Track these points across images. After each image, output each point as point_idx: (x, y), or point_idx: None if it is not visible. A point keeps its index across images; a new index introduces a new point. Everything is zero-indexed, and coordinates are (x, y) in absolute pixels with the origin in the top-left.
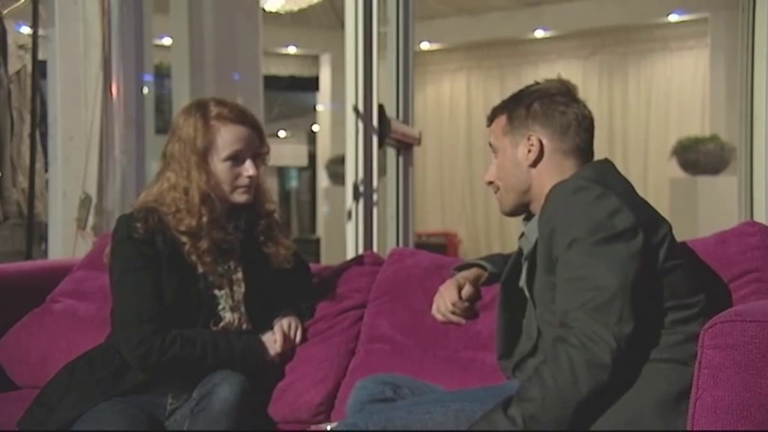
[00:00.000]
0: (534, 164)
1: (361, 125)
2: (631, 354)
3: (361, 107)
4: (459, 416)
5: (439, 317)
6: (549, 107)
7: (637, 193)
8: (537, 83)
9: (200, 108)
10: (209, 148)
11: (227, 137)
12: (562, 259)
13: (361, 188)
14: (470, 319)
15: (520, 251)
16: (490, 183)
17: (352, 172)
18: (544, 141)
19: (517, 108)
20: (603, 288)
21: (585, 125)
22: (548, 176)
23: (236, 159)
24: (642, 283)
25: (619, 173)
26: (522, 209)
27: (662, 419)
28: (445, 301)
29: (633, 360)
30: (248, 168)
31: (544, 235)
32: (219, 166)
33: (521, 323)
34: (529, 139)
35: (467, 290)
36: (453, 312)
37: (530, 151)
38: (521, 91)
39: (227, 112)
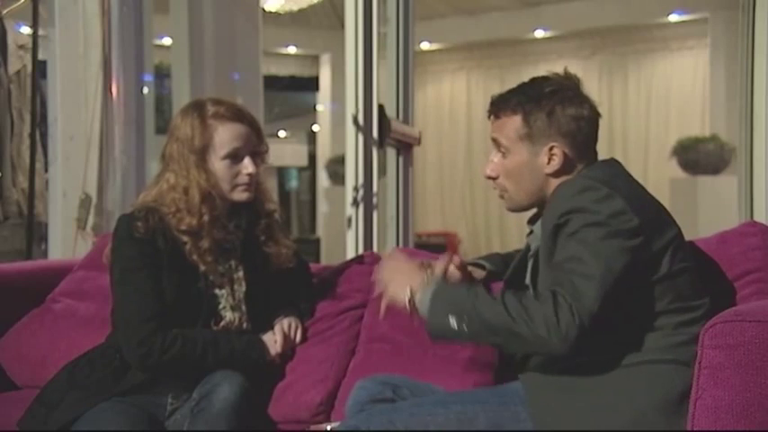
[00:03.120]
0: (556, 174)
1: (360, 125)
2: (635, 354)
3: (360, 108)
4: (460, 417)
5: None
6: (569, 112)
7: (646, 194)
8: (547, 78)
9: (197, 107)
10: (208, 147)
11: (225, 135)
12: (558, 248)
13: (361, 188)
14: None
15: (527, 249)
16: (491, 178)
17: (352, 172)
18: (567, 152)
19: (535, 111)
20: (589, 274)
21: (596, 125)
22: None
23: (234, 157)
24: (628, 280)
25: (626, 173)
26: (530, 208)
27: (665, 419)
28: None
29: (637, 361)
30: (247, 166)
31: (547, 231)
32: (218, 165)
33: None
34: (551, 149)
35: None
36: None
37: (551, 161)
38: (533, 88)
39: (224, 111)
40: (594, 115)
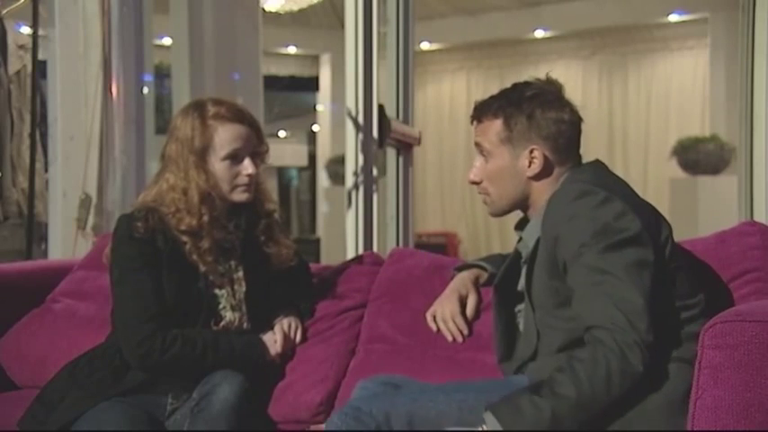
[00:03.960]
0: (537, 177)
1: (360, 126)
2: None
3: (360, 108)
4: (461, 406)
5: (432, 323)
6: (548, 116)
7: (636, 194)
8: (528, 83)
9: (197, 108)
10: (208, 148)
11: (225, 136)
12: (576, 265)
13: (361, 188)
14: (466, 337)
15: (517, 255)
16: (475, 183)
17: (351, 172)
18: (547, 155)
19: (516, 114)
20: (630, 298)
21: (579, 131)
22: (547, 186)
23: (234, 158)
24: (657, 288)
25: (614, 174)
26: (513, 211)
27: (669, 418)
28: (444, 310)
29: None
30: (247, 167)
31: (548, 240)
32: (218, 166)
33: (517, 325)
34: (532, 152)
35: (471, 302)
36: (447, 323)
37: (531, 164)
38: (514, 92)
39: (224, 111)
40: (576, 119)
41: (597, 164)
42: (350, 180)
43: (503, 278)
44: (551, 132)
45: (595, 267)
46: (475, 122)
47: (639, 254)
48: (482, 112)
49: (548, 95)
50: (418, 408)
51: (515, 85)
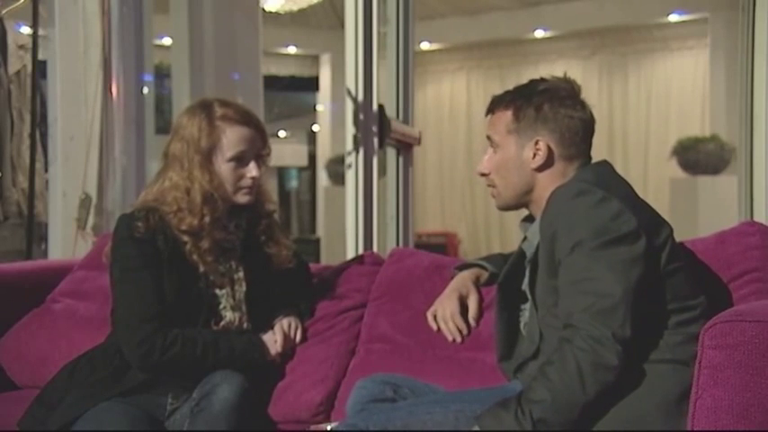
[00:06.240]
0: (540, 169)
1: (360, 125)
2: (634, 355)
3: (360, 107)
4: (458, 416)
5: (432, 323)
6: (558, 110)
7: (637, 195)
8: (544, 79)
9: (204, 108)
10: (214, 149)
11: (232, 138)
12: (565, 263)
13: (361, 188)
14: (466, 337)
15: (520, 254)
16: (484, 175)
17: (351, 172)
18: (552, 146)
19: (525, 107)
20: (609, 293)
21: (590, 130)
22: (551, 180)
23: (240, 160)
24: (643, 287)
25: (618, 175)
26: (519, 206)
27: (665, 420)
28: (444, 309)
29: (636, 361)
30: (252, 170)
31: (546, 238)
32: (223, 167)
33: (518, 325)
34: (537, 143)
35: (472, 302)
36: (447, 323)
37: (535, 155)
38: (528, 86)
39: (232, 113)
40: (588, 118)
41: (603, 164)
42: (350, 180)
43: (506, 277)
44: (558, 125)
45: (582, 266)
46: (489, 115)
47: (630, 252)
48: (495, 104)
49: (560, 92)
50: (415, 421)
51: (531, 81)
